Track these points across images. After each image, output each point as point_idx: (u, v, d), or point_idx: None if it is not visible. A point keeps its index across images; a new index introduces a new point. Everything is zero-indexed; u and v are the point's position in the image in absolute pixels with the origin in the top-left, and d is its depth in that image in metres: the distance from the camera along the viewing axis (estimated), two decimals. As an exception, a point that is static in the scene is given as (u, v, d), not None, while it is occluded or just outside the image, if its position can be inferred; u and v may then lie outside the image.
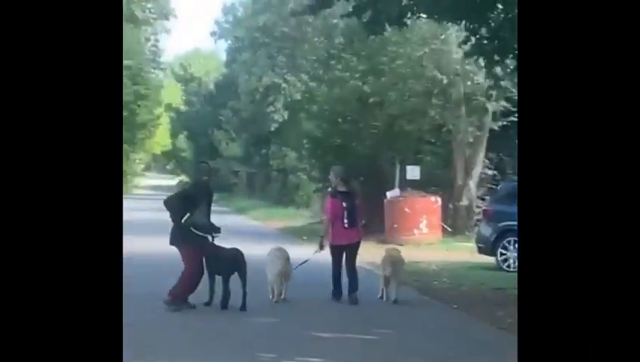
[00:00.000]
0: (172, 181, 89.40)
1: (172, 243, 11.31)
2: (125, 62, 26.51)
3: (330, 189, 12.99)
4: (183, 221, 11.04)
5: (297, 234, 27.08)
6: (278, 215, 38.75)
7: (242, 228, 31.34)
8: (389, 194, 25.46)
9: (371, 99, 26.67)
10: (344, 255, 12.52)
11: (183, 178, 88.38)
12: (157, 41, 48.34)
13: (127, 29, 27.68)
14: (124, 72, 28.01)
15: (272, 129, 47.54)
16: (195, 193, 11.44)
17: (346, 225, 12.44)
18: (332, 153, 29.00)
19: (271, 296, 12.15)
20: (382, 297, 12.74)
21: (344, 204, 12.47)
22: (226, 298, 11.13)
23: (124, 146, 58.82)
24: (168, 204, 11.25)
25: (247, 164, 57.20)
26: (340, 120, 28.76)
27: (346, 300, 12.34)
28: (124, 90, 44.09)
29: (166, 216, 11.41)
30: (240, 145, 57.70)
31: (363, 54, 27.10)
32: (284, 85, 43.94)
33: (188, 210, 11.12)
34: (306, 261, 13.01)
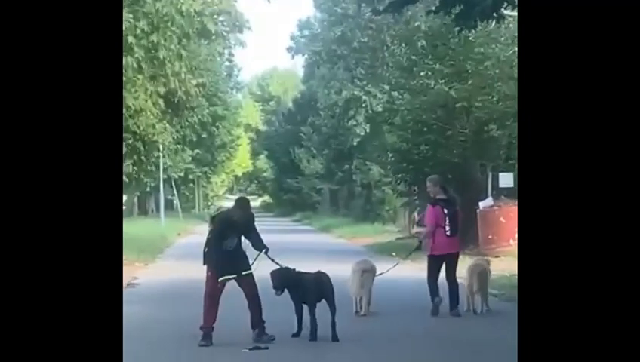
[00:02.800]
0: (255, 203, 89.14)
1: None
2: (200, 80, 25.80)
3: (430, 198, 12.71)
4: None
5: (385, 251, 25.91)
6: (364, 231, 37.62)
7: (328, 246, 30.51)
8: (481, 204, 24.18)
9: (458, 105, 25.33)
10: (443, 266, 12.31)
11: (266, 198, 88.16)
12: (232, 55, 47.59)
13: (200, 44, 26.98)
14: (201, 91, 27.31)
15: (354, 143, 46.56)
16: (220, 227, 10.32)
17: (447, 233, 12.15)
18: (418, 164, 27.76)
19: (354, 309, 12.17)
20: (468, 309, 12.49)
21: (445, 211, 12.17)
22: (314, 328, 9.94)
23: (205, 169, 58.76)
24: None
25: (330, 180, 56.27)
26: (425, 129, 27.42)
27: (445, 314, 12.20)
28: (202, 112, 43.68)
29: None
30: (322, 162, 56.86)
31: (447, 58, 25.78)
32: (364, 97, 42.88)
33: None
34: (396, 264, 12.98)
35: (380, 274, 12.70)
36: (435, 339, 10.65)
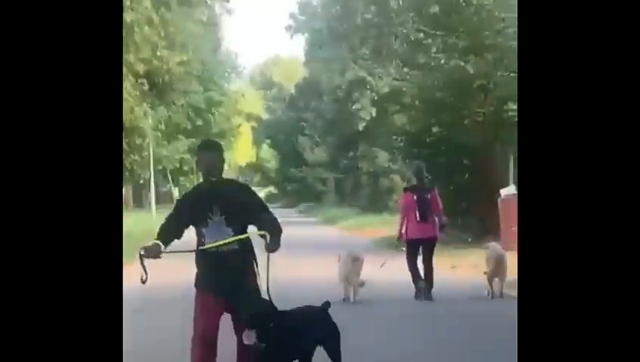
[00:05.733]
0: (260, 193, 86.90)
1: None
2: (184, 57, 23.12)
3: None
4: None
5: (394, 244, 23.34)
6: (371, 223, 35.17)
7: (333, 240, 28.05)
8: (502, 192, 21.67)
9: (475, 83, 22.76)
10: (420, 250, 12.87)
11: (271, 189, 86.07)
12: (216, 24, 44.39)
13: (181, 12, 24.21)
14: (185, 71, 24.69)
15: (360, 128, 44.11)
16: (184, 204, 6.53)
17: (417, 219, 12.65)
18: (430, 148, 25.30)
19: (342, 297, 12.33)
20: (489, 294, 12.90)
21: (415, 198, 12.71)
22: None
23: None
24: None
25: (335, 169, 53.82)
26: (437, 109, 24.83)
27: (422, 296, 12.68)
28: (196, 97, 41.14)
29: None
30: (325, 150, 54.33)
31: (462, 30, 23.10)
32: (369, 78, 40.24)
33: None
34: (384, 262, 13.34)
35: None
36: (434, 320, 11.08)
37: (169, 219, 6.42)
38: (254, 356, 6.01)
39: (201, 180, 6.44)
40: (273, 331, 5.93)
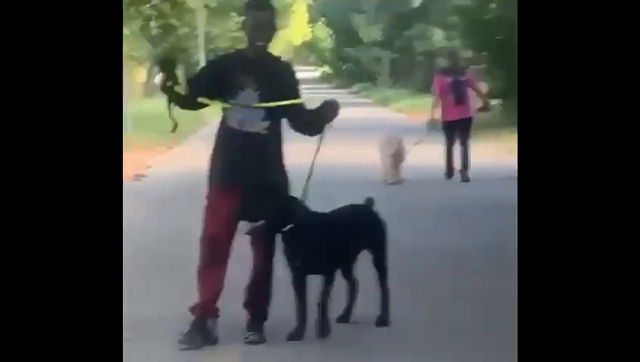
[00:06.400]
0: (315, 73, 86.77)
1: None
2: None
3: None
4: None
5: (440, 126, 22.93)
6: (425, 104, 34.29)
7: (385, 121, 27.74)
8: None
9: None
10: (456, 132, 13.08)
11: (326, 69, 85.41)
12: None
13: None
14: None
15: (417, 5, 43.07)
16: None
17: (452, 101, 12.90)
18: (487, 27, 24.47)
19: (385, 179, 12.65)
20: None
21: (448, 81, 12.99)
22: (324, 315, 5.44)
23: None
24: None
25: (389, 48, 52.58)
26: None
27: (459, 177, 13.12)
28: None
29: None
30: (380, 28, 53.06)
31: None
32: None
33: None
34: (418, 142, 13.34)
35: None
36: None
37: (194, 76, 5.64)
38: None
39: None
40: (300, 233, 5.28)
